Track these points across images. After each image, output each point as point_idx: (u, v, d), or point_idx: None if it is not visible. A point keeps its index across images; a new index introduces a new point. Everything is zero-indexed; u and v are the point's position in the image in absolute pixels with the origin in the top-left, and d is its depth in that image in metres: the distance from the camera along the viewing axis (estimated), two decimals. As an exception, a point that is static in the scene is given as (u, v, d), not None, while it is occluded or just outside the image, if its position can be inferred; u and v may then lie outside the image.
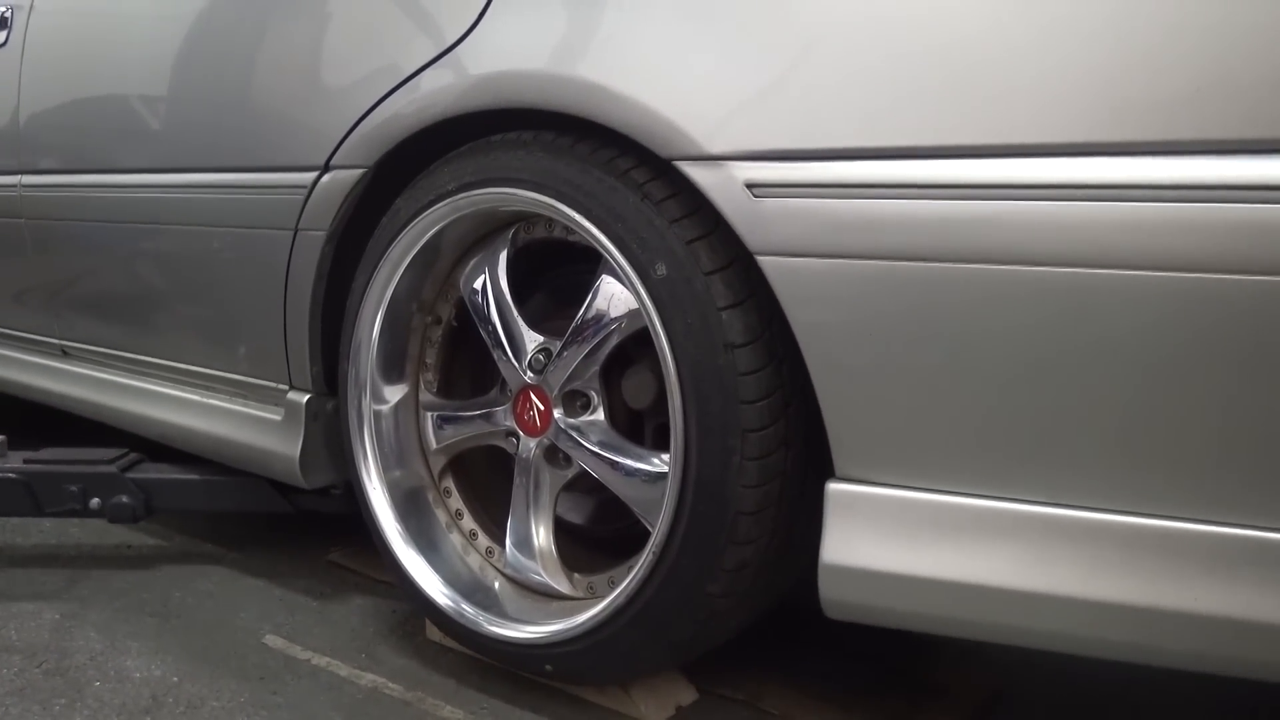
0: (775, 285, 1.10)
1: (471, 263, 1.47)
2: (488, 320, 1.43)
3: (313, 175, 1.53)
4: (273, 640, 1.59)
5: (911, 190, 1.00)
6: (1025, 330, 0.98)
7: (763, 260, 1.10)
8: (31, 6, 2.11)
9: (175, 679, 1.47)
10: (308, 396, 1.65)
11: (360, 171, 1.47)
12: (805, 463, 1.20)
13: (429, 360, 1.56)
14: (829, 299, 1.07)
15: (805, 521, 1.20)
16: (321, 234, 1.54)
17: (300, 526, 1.89)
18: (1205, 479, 0.95)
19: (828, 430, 1.11)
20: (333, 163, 1.51)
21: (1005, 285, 0.98)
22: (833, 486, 1.13)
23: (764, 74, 1.10)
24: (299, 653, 1.55)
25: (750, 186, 1.09)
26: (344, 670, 1.50)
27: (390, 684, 1.46)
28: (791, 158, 1.07)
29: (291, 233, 1.58)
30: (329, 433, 1.66)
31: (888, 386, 1.07)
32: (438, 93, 1.37)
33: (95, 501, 1.87)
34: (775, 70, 1.09)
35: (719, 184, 1.11)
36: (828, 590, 1.14)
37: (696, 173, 1.13)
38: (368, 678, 1.48)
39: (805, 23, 1.07)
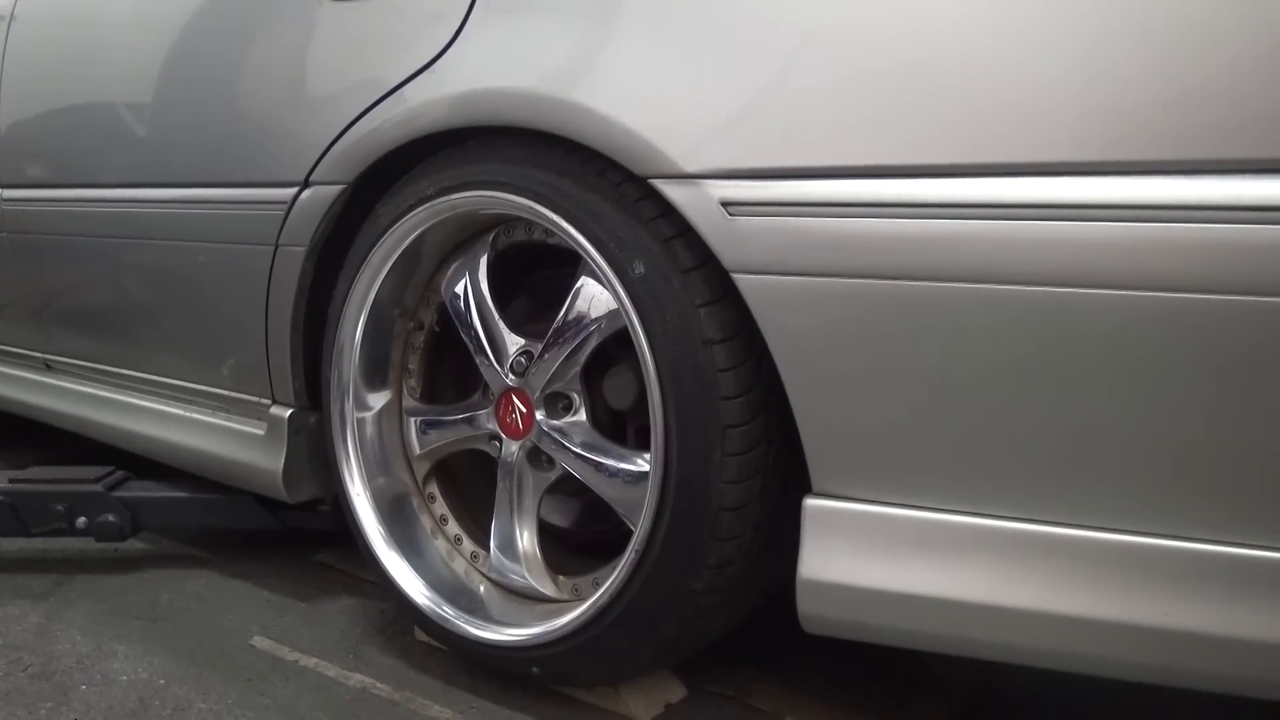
0: (751, 302, 1.12)
1: (453, 267, 1.48)
2: (469, 324, 1.44)
3: (292, 191, 1.54)
4: (260, 641, 1.59)
5: (886, 209, 1.02)
6: (999, 348, 1.00)
7: (738, 278, 1.12)
8: (12, 16, 2.11)
9: (162, 681, 1.47)
10: (290, 411, 1.66)
11: (339, 187, 1.48)
12: (786, 459, 1.20)
13: (411, 366, 1.57)
14: (804, 317, 1.09)
15: (788, 519, 1.21)
16: (302, 250, 1.55)
17: (288, 528, 1.89)
18: (1175, 496, 0.96)
19: (804, 446, 1.13)
20: (312, 179, 1.51)
21: (979, 304, 0.99)
22: (809, 502, 1.14)
23: (739, 93, 1.11)
24: (287, 654, 1.55)
25: (725, 205, 1.11)
26: (332, 671, 1.50)
27: (378, 684, 1.46)
28: (766, 176, 1.09)
29: (272, 248, 1.59)
30: (312, 447, 1.66)
31: (863, 404, 1.08)
32: (413, 111, 1.38)
33: (82, 521, 1.87)
34: (750, 89, 1.10)
35: (694, 202, 1.13)
36: (805, 605, 1.15)
37: (672, 191, 1.14)
38: (356, 678, 1.48)
39: (780, 42, 1.09)
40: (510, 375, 1.40)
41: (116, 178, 1.87)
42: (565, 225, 1.25)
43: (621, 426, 1.41)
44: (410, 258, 1.47)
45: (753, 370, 1.17)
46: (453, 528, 1.57)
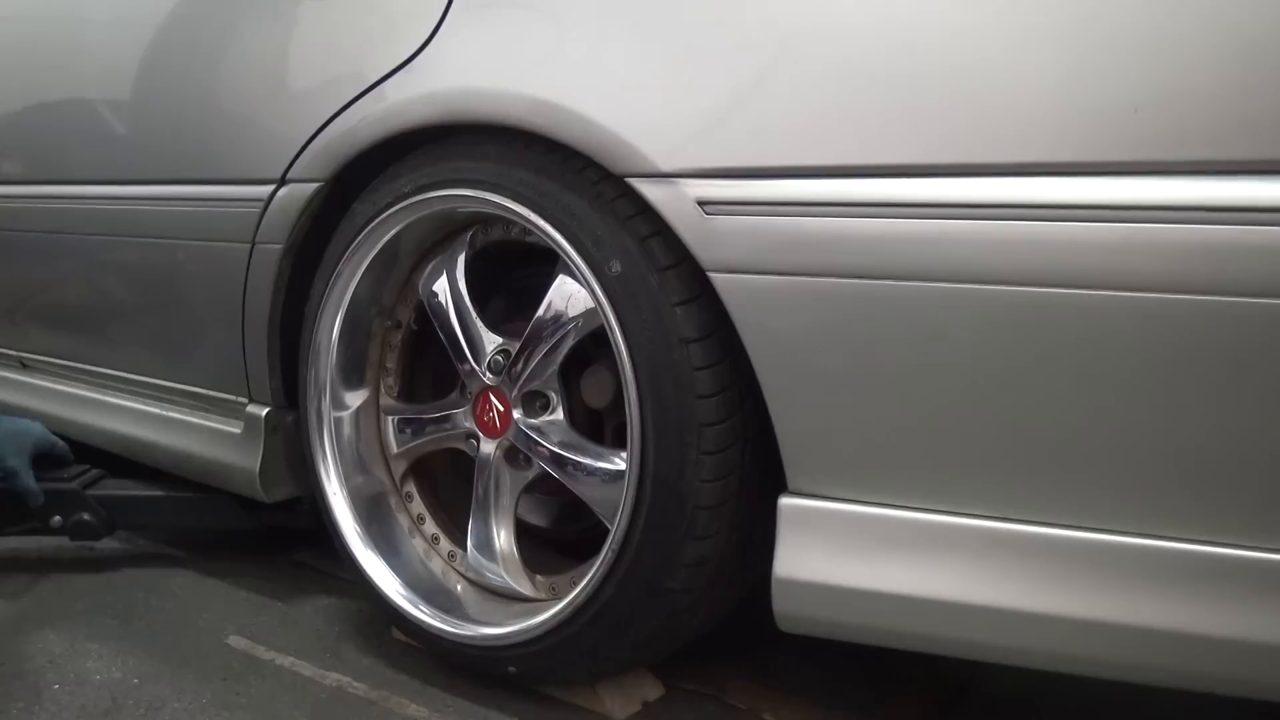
0: (727, 301, 1.12)
1: (430, 266, 1.48)
2: (447, 323, 1.44)
3: (269, 189, 1.53)
4: (236, 641, 1.58)
5: (862, 209, 1.02)
6: (976, 348, 1.00)
7: (714, 277, 1.12)
8: None
9: (136, 681, 1.46)
10: (267, 409, 1.65)
11: (316, 185, 1.48)
12: (762, 458, 1.21)
13: (389, 365, 1.57)
14: (780, 316, 1.09)
15: (765, 517, 1.21)
16: (279, 248, 1.54)
17: (265, 527, 1.88)
18: (1151, 495, 0.97)
19: (780, 445, 1.13)
20: (289, 176, 1.51)
21: (956, 303, 0.99)
22: (785, 501, 1.14)
23: (717, 92, 1.11)
24: (263, 653, 1.55)
25: (702, 204, 1.11)
26: (308, 670, 1.49)
27: (355, 683, 1.45)
28: (743, 175, 1.09)
29: (249, 246, 1.58)
30: (289, 446, 1.66)
31: (839, 403, 1.08)
32: (390, 108, 1.37)
33: (56, 520, 1.85)
34: (728, 89, 1.10)
35: (671, 201, 1.13)
36: (780, 604, 1.15)
37: (649, 190, 1.14)
38: (332, 677, 1.47)
39: (758, 42, 1.09)
40: (488, 374, 1.40)
41: (93, 174, 1.85)
42: (542, 223, 1.25)
43: (599, 425, 1.41)
44: (388, 256, 1.47)
45: (729, 369, 1.17)
46: (430, 527, 1.57)
